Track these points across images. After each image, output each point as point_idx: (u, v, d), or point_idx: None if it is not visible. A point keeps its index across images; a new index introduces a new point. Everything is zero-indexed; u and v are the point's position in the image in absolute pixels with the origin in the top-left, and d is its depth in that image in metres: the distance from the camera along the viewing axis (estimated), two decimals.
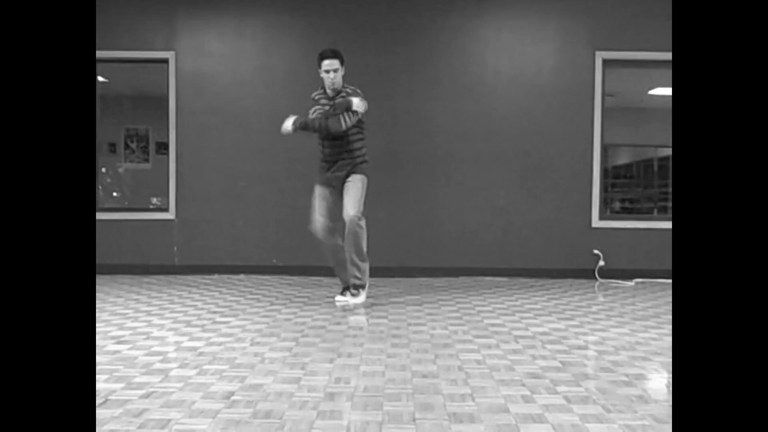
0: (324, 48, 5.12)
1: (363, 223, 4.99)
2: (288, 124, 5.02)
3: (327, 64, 4.98)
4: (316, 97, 5.18)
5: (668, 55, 6.77)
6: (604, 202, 7.21)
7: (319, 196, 5.15)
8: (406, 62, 7.01)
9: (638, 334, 4.22)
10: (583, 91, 7.04)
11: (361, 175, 5.11)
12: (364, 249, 5.05)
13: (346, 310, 4.99)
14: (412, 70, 7.02)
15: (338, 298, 5.19)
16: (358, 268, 5.06)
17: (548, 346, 3.82)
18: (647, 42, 6.92)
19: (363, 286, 5.12)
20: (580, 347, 3.84)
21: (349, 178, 5.08)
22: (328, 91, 5.07)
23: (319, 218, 5.10)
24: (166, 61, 7.04)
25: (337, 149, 5.08)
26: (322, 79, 5.09)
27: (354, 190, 5.03)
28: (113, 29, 7.00)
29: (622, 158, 8.08)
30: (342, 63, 5.03)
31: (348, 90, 5.06)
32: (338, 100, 4.99)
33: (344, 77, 5.12)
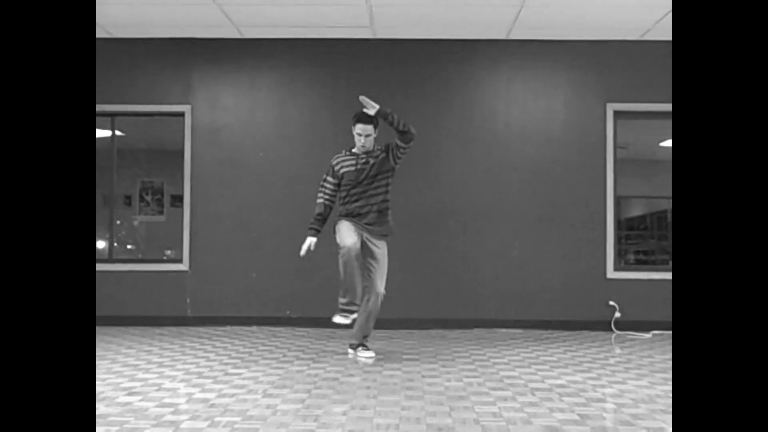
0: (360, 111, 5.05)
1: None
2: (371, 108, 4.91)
3: (361, 128, 5.01)
4: (339, 161, 5.15)
5: None
6: (619, 254, 7.15)
7: (348, 228, 5.04)
8: (417, 113, 7.05)
9: (658, 386, 4.14)
10: (594, 143, 7.07)
11: (385, 244, 5.16)
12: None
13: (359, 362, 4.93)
14: (423, 121, 7.05)
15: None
16: (367, 336, 5.22)
17: (566, 399, 3.74)
18: (658, 94, 6.95)
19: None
20: (598, 400, 3.76)
21: (380, 246, 5.10)
22: (358, 149, 5.10)
23: (356, 242, 4.97)
24: (182, 114, 7.15)
25: (372, 200, 5.06)
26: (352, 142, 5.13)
27: (384, 265, 5.10)
28: (130, 83, 7.14)
29: (636, 210, 8.06)
30: (376, 128, 5.04)
31: (380, 147, 5.12)
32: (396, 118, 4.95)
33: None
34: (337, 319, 5.04)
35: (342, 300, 5.04)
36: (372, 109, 4.90)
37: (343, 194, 5.14)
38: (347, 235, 4.99)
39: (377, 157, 5.09)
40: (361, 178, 5.06)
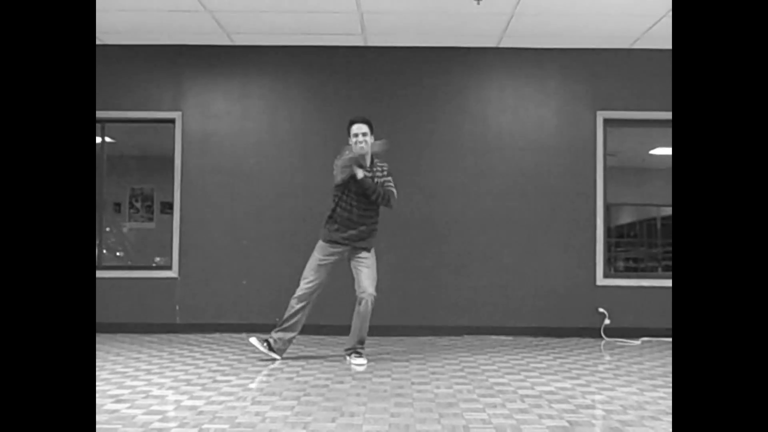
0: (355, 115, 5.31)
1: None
2: (359, 173, 5.11)
3: (357, 128, 5.17)
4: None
5: (669, 115, 6.81)
6: (608, 261, 7.17)
7: (323, 263, 5.27)
8: (408, 120, 7.09)
9: (647, 393, 4.15)
10: (584, 151, 7.09)
11: (373, 249, 5.32)
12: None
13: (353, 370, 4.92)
14: (415, 129, 7.09)
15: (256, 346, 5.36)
16: (362, 341, 5.27)
17: (555, 406, 3.75)
18: (648, 102, 7.00)
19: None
20: (587, 406, 3.76)
21: (365, 253, 5.25)
22: (356, 152, 5.20)
23: (313, 287, 5.27)
24: (172, 121, 7.13)
25: (369, 213, 5.25)
26: (348, 147, 5.24)
27: (373, 268, 5.23)
28: (121, 90, 7.12)
29: (625, 218, 8.09)
30: (371, 131, 5.20)
31: (383, 166, 5.31)
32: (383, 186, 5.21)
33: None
34: (253, 340, 5.36)
35: (275, 332, 5.32)
36: (359, 173, 5.09)
37: (345, 197, 5.22)
38: (311, 270, 5.27)
39: (382, 179, 5.25)
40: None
